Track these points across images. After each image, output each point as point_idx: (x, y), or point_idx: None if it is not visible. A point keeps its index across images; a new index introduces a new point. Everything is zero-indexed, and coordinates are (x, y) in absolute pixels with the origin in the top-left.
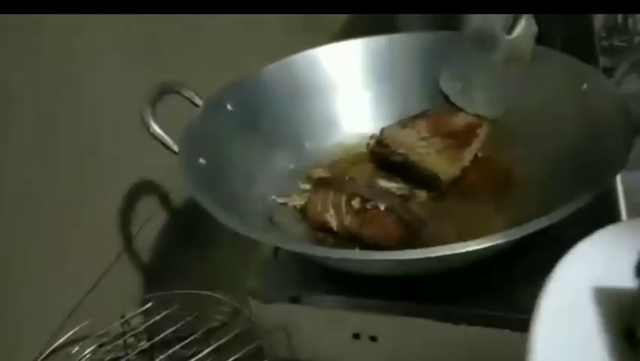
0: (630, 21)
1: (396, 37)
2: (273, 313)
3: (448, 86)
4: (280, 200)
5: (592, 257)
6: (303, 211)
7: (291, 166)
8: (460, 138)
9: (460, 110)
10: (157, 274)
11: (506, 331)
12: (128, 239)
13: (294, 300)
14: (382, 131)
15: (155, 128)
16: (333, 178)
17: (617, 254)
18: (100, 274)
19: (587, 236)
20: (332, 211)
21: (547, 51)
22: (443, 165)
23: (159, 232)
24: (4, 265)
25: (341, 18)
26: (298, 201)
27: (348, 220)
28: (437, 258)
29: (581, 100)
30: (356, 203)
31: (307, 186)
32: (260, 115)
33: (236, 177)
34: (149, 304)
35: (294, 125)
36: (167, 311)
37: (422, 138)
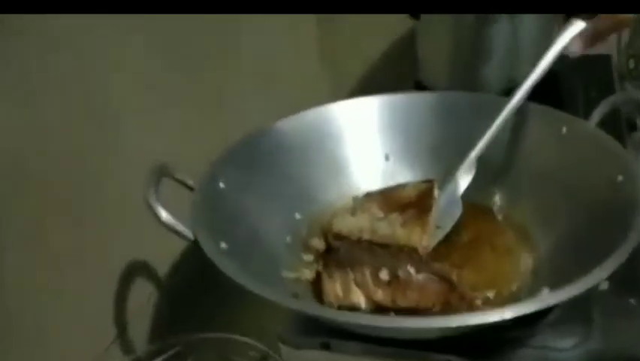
0: None
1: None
2: (304, 359)
3: None
4: (291, 275)
5: None
6: (315, 285)
7: (288, 239)
8: (419, 206)
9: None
10: (181, 319)
11: None
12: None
13: (326, 346)
14: (334, 223)
15: (167, 217)
16: (337, 254)
17: None
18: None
19: None
20: (357, 291)
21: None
22: (416, 236)
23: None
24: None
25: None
26: (309, 275)
27: (379, 295)
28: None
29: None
30: (384, 275)
31: (310, 257)
32: (249, 190)
33: (250, 256)
34: (177, 348)
35: (281, 197)
36: (192, 358)
37: (379, 219)
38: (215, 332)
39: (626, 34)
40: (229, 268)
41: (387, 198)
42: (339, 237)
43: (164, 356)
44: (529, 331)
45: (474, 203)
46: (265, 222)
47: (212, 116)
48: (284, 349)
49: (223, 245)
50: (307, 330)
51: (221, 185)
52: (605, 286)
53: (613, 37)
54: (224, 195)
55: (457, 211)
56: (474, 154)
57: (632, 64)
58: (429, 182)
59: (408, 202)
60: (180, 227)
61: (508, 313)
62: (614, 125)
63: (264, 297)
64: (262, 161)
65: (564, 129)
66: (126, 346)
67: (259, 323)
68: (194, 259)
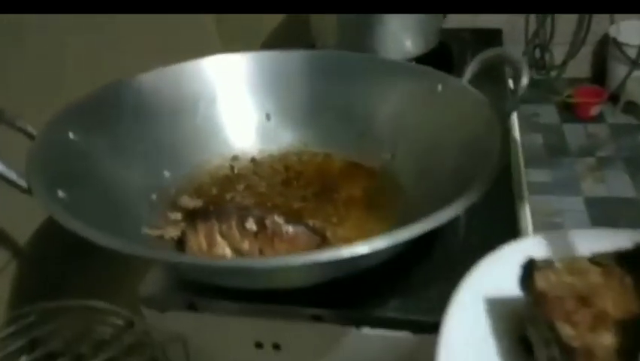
0: (547, 55)
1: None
2: (169, 323)
3: None
4: (153, 233)
5: (494, 271)
6: (180, 244)
7: (153, 196)
8: None
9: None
10: (39, 288)
11: (406, 332)
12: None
13: (192, 307)
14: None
15: None
16: (206, 207)
17: (516, 268)
18: None
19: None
20: (222, 242)
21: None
22: None
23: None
24: None
25: None
26: (174, 232)
27: (246, 245)
28: (342, 260)
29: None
30: (251, 225)
31: (178, 215)
32: (109, 142)
33: (101, 210)
34: (31, 318)
35: (147, 152)
36: (51, 326)
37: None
38: (77, 299)
39: (532, 26)
40: (64, 216)
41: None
42: None
43: (18, 325)
44: (396, 282)
45: (354, 162)
46: (125, 178)
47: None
48: (148, 313)
49: (61, 194)
50: (172, 292)
51: (71, 135)
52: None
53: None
54: (74, 146)
55: None
56: None
57: (537, 54)
58: None
59: None
60: (11, 174)
61: (361, 249)
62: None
63: (108, 247)
64: (123, 115)
65: (439, 87)
66: None
67: (124, 290)
68: (55, 227)
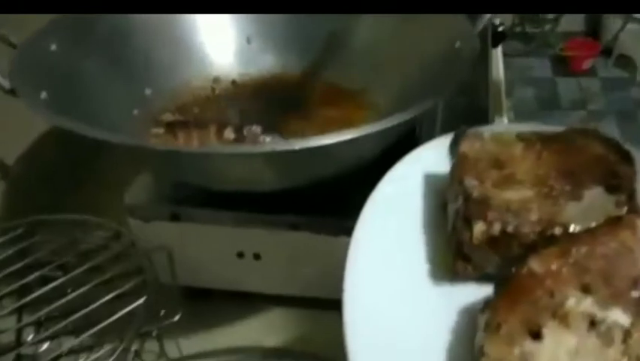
0: None
1: None
2: (154, 232)
3: None
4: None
5: (427, 155)
6: None
7: (135, 112)
8: None
9: None
10: (29, 204)
11: None
12: None
13: (175, 217)
14: None
15: None
16: (189, 120)
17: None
18: None
19: None
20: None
21: None
22: None
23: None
24: None
25: None
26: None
27: None
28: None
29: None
30: (229, 133)
31: (160, 130)
32: (90, 56)
33: (84, 119)
34: (19, 231)
35: (130, 69)
36: (37, 237)
37: None
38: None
39: None
40: (48, 114)
41: None
42: None
43: (6, 237)
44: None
45: (333, 83)
46: (106, 92)
47: None
48: (133, 223)
49: (44, 95)
50: (156, 201)
51: (53, 47)
52: None
53: None
54: (56, 58)
55: None
56: None
57: (516, 20)
58: None
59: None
60: None
61: (329, 139)
62: None
63: (95, 138)
64: (106, 31)
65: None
66: None
67: (111, 205)
68: (45, 145)
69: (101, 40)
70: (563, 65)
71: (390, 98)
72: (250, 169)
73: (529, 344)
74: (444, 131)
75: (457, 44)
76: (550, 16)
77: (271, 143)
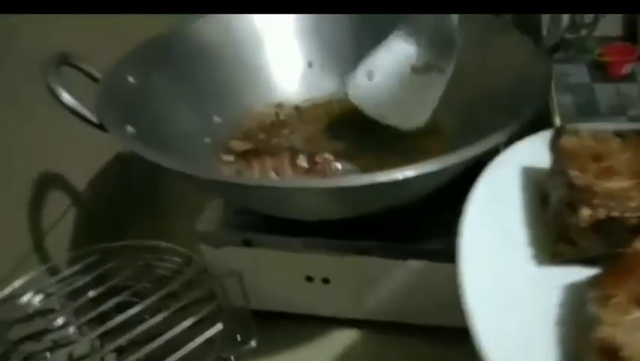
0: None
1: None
2: (226, 258)
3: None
4: None
5: (523, 151)
6: None
7: (207, 140)
8: None
9: None
10: (101, 230)
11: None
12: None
13: (247, 243)
14: None
15: (68, 98)
16: (259, 146)
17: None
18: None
19: None
20: (275, 176)
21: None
22: None
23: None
24: None
25: None
26: (227, 172)
27: None
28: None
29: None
30: (302, 161)
31: (231, 158)
32: (164, 87)
33: (166, 147)
34: (93, 257)
35: (198, 99)
36: (113, 263)
37: None
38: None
39: None
40: (139, 146)
41: None
42: None
43: (82, 264)
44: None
45: None
46: (181, 121)
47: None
48: (205, 249)
49: (130, 129)
50: (228, 227)
51: (130, 79)
52: None
53: None
54: (134, 90)
55: (452, 45)
56: None
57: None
58: None
59: None
60: (84, 110)
61: (410, 172)
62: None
63: (180, 172)
64: (177, 61)
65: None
66: (42, 257)
67: (181, 231)
68: (112, 172)
69: (172, 70)
70: (601, 71)
71: (457, 121)
72: (326, 201)
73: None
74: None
75: (528, 66)
76: (587, 21)
77: (347, 175)
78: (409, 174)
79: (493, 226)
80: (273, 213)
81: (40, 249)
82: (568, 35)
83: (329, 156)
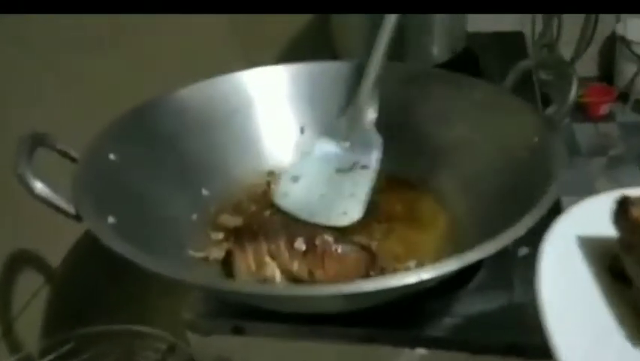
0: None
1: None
2: (215, 346)
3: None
4: (198, 255)
5: (580, 218)
6: (226, 265)
7: (194, 217)
8: None
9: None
10: (78, 312)
11: (464, 353)
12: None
13: (238, 331)
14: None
15: (42, 188)
16: (250, 226)
17: (602, 213)
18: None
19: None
20: (270, 262)
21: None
22: None
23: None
24: None
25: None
26: (218, 253)
27: (295, 266)
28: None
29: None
30: (300, 244)
31: (220, 235)
32: (147, 163)
33: (146, 233)
34: (70, 345)
35: (184, 172)
36: (91, 352)
37: None
38: (117, 324)
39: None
40: (118, 243)
41: None
42: None
43: (56, 353)
44: (450, 300)
45: (391, 174)
46: (166, 198)
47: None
48: (192, 337)
49: (111, 220)
50: (217, 315)
51: (112, 157)
52: (524, 251)
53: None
54: (115, 168)
55: (375, 142)
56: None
57: (545, 53)
58: None
59: None
60: (59, 200)
61: (425, 275)
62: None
63: (162, 275)
64: (160, 132)
65: (478, 95)
66: (13, 344)
67: (165, 313)
68: (89, 248)
69: (156, 142)
70: (580, 112)
71: (457, 185)
72: (331, 303)
73: None
74: None
75: (535, 139)
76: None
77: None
78: (424, 277)
79: (577, 311)
80: (272, 308)
81: (9, 334)
82: (545, 76)
83: (328, 238)
